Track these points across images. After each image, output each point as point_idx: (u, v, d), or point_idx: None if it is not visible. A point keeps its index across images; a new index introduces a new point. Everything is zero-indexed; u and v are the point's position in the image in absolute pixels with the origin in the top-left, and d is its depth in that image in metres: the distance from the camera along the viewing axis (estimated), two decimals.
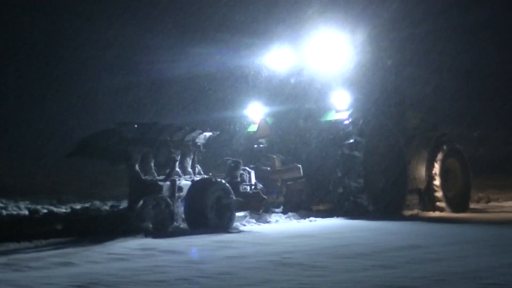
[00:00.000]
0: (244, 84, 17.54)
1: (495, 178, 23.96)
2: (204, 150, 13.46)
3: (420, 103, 17.44)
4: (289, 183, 15.49)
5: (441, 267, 7.24)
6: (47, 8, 24.85)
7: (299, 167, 15.57)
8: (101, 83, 22.11)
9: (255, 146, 16.62)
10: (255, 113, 17.31)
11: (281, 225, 13.35)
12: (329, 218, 14.79)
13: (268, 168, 15.11)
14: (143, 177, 11.68)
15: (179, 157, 12.37)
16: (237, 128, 17.03)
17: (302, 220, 14.42)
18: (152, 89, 22.28)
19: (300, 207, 15.57)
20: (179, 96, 21.16)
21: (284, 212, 14.92)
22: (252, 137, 16.99)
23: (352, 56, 16.30)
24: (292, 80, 16.90)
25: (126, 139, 11.40)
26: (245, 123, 17.31)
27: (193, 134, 12.91)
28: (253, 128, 17.21)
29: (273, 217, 14.19)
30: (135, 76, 21.57)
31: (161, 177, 11.96)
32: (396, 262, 7.52)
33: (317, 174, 15.83)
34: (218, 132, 14.07)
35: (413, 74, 17.11)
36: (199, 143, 13.30)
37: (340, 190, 15.26)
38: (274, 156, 15.55)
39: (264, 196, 13.51)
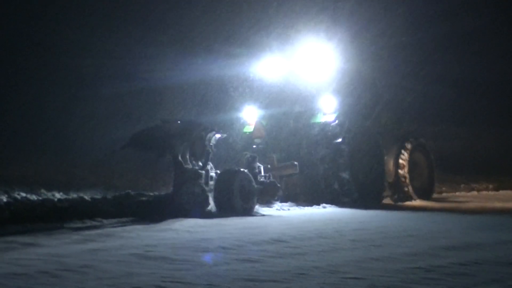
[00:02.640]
0: (239, 90, 19.03)
1: (461, 172, 26.20)
2: (215, 149, 14.52)
3: (392, 105, 19.35)
4: (284, 178, 17.01)
5: (303, 261, 7.21)
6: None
7: (295, 164, 17.11)
8: (103, 89, 23.12)
9: (254, 146, 17.93)
10: (249, 116, 18.70)
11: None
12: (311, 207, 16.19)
13: (269, 166, 16.45)
14: (185, 166, 13.17)
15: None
16: (234, 130, 18.40)
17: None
18: (154, 95, 23.32)
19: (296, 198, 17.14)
20: (179, 101, 22.25)
21: (283, 202, 16.17)
22: (249, 138, 18.40)
23: (338, 64, 17.87)
24: (283, 86, 18.33)
25: (170, 134, 12.95)
26: (241, 124, 18.69)
27: (211, 134, 14.15)
28: (248, 129, 18.57)
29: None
30: (137, 82, 22.62)
31: (197, 167, 13.44)
32: (259, 256, 7.50)
33: (308, 170, 17.26)
34: (226, 135, 15.72)
35: (389, 80, 19.01)
36: (212, 143, 14.48)
37: (336, 185, 16.97)
38: (274, 155, 17.33)
39: (279, 185, 15.24)
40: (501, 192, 24.13)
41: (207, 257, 6.75)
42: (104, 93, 22.78)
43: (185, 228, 10.56)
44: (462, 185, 21.46)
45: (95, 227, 10.58)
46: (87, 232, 9.80)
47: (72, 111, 23.69)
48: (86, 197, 13.22)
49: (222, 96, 19.92)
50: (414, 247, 8.35)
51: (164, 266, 6.81)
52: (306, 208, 16.14)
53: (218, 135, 14.59)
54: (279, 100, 18.49)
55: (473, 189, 24.70)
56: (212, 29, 21.90)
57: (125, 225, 10.98)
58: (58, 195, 13.67)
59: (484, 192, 23.99)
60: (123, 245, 8.41)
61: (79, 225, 10.82)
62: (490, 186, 25.63)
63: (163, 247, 8.18)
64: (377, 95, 18.77)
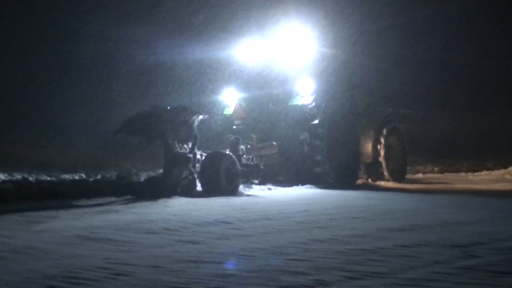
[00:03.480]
0: (219, 73, 19.48)
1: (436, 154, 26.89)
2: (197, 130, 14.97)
3: (368, 88, 19.89)
4: (263, 158, 17.32)
5: (247, 242, 7.09)
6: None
7: (275, 144, 17.63)
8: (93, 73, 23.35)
9: (234, 127, 18.49)
10: (229, 98, 19.17)
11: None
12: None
13: (248, 146, 16.83)
14: (175, 150, 13.68)
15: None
16: (214, 112, 18.90)
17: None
18: (134, 77, 23.57)
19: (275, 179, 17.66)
20: (161, 83, 22.56)
21: (261, 183, 16.60)
22: (229, 119, 18.90)
23: (315, 47, 18.28)
24: (263, 69, 18.74)
25: (161, 119, 13.43)
26: (221, 106, 19.20)
27: (195, 117, 14.53)
28: (228, 111, 19.05)
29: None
30: (119, 65, 22.89)
31: (186, 151, 13.94)
32: (203, 238, 7.41)
33: (286, 150, 17.79)
34: (207, 116, 16.12)
35: (365, 64, 19.54)
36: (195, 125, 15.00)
37: (313, 166, 17.42)
38: (253, 136, 17.77)
39: (262, 167, 15.69)
40: (445, 174, 24.92)
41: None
42: (85, 76, 22.99)
43: (136, 210, 10.56)
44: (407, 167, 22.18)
45: (41, 209, 10.36)
46: (33, 214, 9.66)
47: (63, 98, 23.91)
48: (74, 177, 13.63)
49: (203, 79, 20.25)
50: (359, 228, 8.34)
51: (108, 248, 6.75)
52: (284, 188, 16.47)
53: (200, 117, 14.94)
54: (258, 83, 18.92)
55: (418, 172, 25.56)
56: (193, 13, 22.18)
57: (81, 207, 10.94)
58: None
59: (429, 175, 24.68)
60: (67, 226, 8.32)
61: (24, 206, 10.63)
62: (436, 168, 26.30)
63: (108, 229, 8.07)
64: (353, 79, 19.25)
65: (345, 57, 18.98)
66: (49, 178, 13.84)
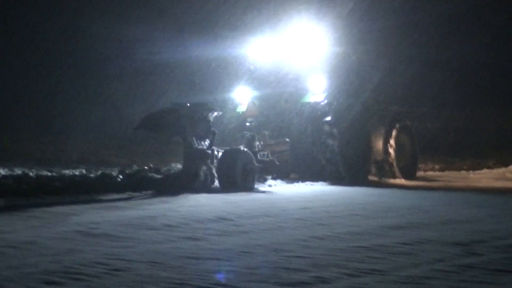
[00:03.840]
0: (232, 71, 19.46)
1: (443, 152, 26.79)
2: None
3: (379, 86, 19.78)
4: (275, 154, 17.13)
5: (247, 239, 7.09)
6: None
7: (287, 141, 17.75)
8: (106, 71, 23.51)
9: (247, 124, 18.45)
10: (242, 96, 19.12)
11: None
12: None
13: (261, 142, 16.76)
14: (194, 147, 13.67)
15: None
16: (228, 109, 18.75)
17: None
18: (151, 75, 23.62)
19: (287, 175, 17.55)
20: (175, 81, 22.61)
21: (274, 178, 16.47)
22: (241, 117, 18.87)
23: (327, 46, 18.16)
24: (275, 67, 18.72)
25: (181, 116, 13.45)
26: (234, 104, 19.13)
27: (212, 113, 14.55)
28: (241, 108, 19.00)
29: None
30: (136, 63, 22.99)
31: (204, 147, 13.94)
32: (204, 234, 7.38)
33: (298, 147, 17.86)
34: (222, 112, 16.12)
35: (377, 62, 19.42)
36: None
37: (324, 163, 17.42)
38: (266, 132, 17.78)
39: (277, 163, 15.70)
40: (446, 172, 24.63)
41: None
42: (94, 75, 23.09)
43: (137, 206, 10.49)
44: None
45: (41, 204, 10.26)
46: (33, 209, 9.57)
47: (84, 95, 24.04)
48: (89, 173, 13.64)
49: (216, 77, 20.26)
50: (359, 226, 8.29)
51: (108, 244, 6.71)
52: (295, 185, 16.36)
53: (215, 113, 14.93)
54: (270, 81, 18.87)
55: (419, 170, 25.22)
56: (205, 11, 22.21)
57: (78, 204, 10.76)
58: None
59: (430, 173, 24.47)
60: (67, 222, 8.27)
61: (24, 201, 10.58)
62: (436, 166, 26.17)
63: (107, 225, 8.00)
64: (365, 77, 19.17)
65: (356, 56, 18.85)
66: (49, 174, 13.76)
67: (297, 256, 6.02)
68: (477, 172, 24.67)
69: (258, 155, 15.49)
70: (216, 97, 19.47)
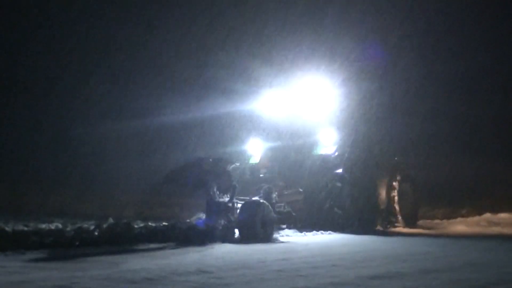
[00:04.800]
0: (245, 124, 20.04)
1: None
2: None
3: (386, 138, 20.43)
4: (289, 204, 17.40)
5: None
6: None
7: (301, 191, 18.27)
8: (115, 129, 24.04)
9: (261, 175, 19.03)
10: (255, 148, 19.79)
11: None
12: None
13: (276, 192, 16.83)
14: (216, 200, 14.15)
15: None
16: (241, 161, 19.16)
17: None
18: (163, 131, 24.04)
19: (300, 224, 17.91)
20: (188, 136, 23.04)
21: (289, 228, 16.86)
22: (255, 168, 19.53)
23: (337, 99, 18.97)
24: (286, 120, 19.40)
25: (204, 170, 13.91)
26: (247, 156, 19.78)
27: (230, 166, 14.97)
28: (254, 160, 19.66)
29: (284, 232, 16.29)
30: (151, 118, 23.46)
31: (226, 199, 14.39)
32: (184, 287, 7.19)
33: (311, 197, 18.38)
34: (238, 164, 16.71)
35: (385, 114, 20.07)
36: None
37: (336, 213, 18.04)
38: (280, 183, 18.33)
39: (294, 214, 16.13)
40: (421, 221, 24.05)
41: None
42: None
43: (115, 260, 9.89)
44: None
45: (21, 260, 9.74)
46: (12, 264, 9.10)
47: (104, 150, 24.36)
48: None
49: (230, 130, 20.76)
50: (340, 276, 8.11)
51: None
52: (309, 234, 16.76)
53: (233, 165, 15.32)
54: (282, 133, 19.51)
55: None
56: (219, 68, 22.81)
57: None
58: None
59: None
60: (49, 277, 7.83)
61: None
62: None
63: (88, 280, 7.60)
64: (373, 130, 19.86)
65: (366, 108, 19.52)
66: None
67: None
68: (451, 220, 24.59)
69: (276, 207, 15.85)
70: (230, 149, 20.00)
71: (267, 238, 14.39)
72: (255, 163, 19.74)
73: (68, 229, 12.56)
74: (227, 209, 14.32)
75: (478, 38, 26.08)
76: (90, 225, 13.22)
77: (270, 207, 14.99)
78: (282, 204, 16.44)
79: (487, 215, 24.96)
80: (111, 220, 13.86)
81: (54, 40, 27.17)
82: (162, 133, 24.08)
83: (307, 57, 19.69)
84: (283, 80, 19.66)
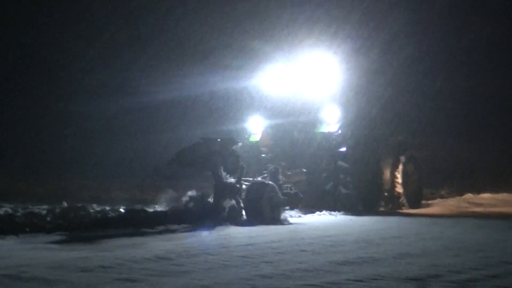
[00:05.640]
0: (245, 100, 19.30)
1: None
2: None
3: (390, 116, 19.77)
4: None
5: (189, 279, 6.64)
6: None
7: (304, 171, 17.61)
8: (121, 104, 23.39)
9: (263, 155, 18.40)
10: (255, 125, 19.05)
11: None
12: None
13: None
14: (224, 181, 13.76)
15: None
16: (241, 139, 18.48)
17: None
18: (162, 108, 23.43)
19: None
20: (188, 112, 22.42)
21: (291, 209, 15.77)
22: (255, 146, 18.81)
23: (341, 75, 18.20)
24: (288, 97, 18.63)
25: (212, 151, 13.54)
26: (247, 133, 19.04)
27: (236, 146, 14.60)
28: (254, 138, 18.95)
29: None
30: (151, 96, 22.78)
31: (233, 180, 14.01)
32: (143, 275, 6.86)
33: (314, 178, 17.73)
34: (240, 143, 15.99)
35: (390, 92, 19.40)
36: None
37: (339, 193, 17.48)
38: (283, 163, 17.54)
39: (301, 196, 15.46)
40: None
41: None
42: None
43: (70, 246, 9.64)
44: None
45: None
46: None
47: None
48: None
49: (230, 107, 20.10)
50: (307, 262, 7.81)
51: None
52: (311, 215, 16.40)
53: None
54: (284, 111, 18.78)
55: None
56: (217, 41, 22.09)
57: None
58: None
59: None
60: None
61: None
62: None
63: (39, 267, 7.29)
64: (378, 107, 19.16)
65: (371, 85, 18.82)
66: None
67: None
68: (430, 202, 23.14)
69: (283, 188, 15.30)
70: (229, 127, 19.34)
71: (275, 219, 14.01)
72: (256, 141, 18.99)
73: (19, 214, 12.24)
74: (235, 190, 13.95)
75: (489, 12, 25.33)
76: (42, 210, 12.74)
77: (277, 189, 14.52)
78: (289, 185, 15.74)
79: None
80: (65, 204, 13.73)
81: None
82: (156, 111, 23.42)
83: (310, 29, 18.70)
84: (285, 55, 18.78)
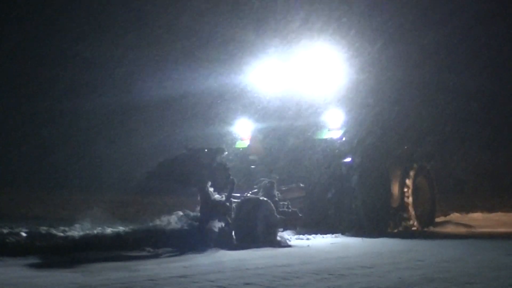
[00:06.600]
0: (231, 101, 16.81)
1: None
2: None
3: (397, 123, 17.38)
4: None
5: None
6: None
7: (302, 186, 15.12)
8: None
9: (252, 166, 16.04)
10: (243, 129, 16.59)
11: None
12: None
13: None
14: (212, 198, 11.87)
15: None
16: (225, 145, 16.08)
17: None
18: (140, 110, 21.43)
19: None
20: (167, 115, 20.36)
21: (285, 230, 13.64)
22: (242, 154, 16.35)
23: (346, 74, 15.75)
24: (283, 97, 16.21)
25: (198, 163, 11.62)
26: (233, 139, 16.61)
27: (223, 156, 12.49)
28: (241, 144, 16.52)
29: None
30: (126, 97, 20.77)
31: (222, 197, 12.10)
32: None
33: (314, 192, 15.45)
34: (226, 152, 13.54)
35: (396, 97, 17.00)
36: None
37: (344, 213, 15.18)
38: (276, 176, 14.87)
39: (300, 215, 13.40)
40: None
41: None
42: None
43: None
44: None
45: None
46: None
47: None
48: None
49: (212, 108, 17.63)
50: None
51: None
52: (313, 237, 13.93)
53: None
54: (277, 113, 16.35)
55: None
56: (202, 30, 19.66)
57: None
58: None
59: None
60: None
61: None
62: None
63: None
64: (388, 111, 16.70)
65: (380, 85, 16.32)
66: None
67: None
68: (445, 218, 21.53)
69: (279, 205, 13.20)
70: (211, 130, 16.82)
71: (271, 242, 12.07)
72: (243, 148, 16.51)
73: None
74: (225, 210, 11.98)
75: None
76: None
77: (273, 207, 12.51)
78: (286, 203, 13.46)
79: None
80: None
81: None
82: (127, 114, 21.23)
83: (311, 20, 16.18)
84: (281, 48, 16.28)
